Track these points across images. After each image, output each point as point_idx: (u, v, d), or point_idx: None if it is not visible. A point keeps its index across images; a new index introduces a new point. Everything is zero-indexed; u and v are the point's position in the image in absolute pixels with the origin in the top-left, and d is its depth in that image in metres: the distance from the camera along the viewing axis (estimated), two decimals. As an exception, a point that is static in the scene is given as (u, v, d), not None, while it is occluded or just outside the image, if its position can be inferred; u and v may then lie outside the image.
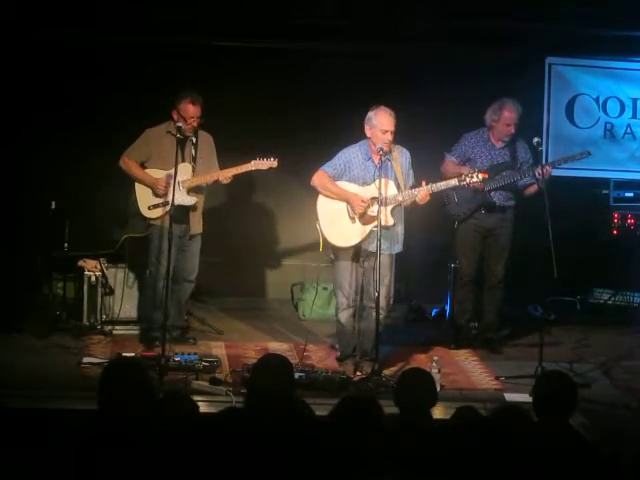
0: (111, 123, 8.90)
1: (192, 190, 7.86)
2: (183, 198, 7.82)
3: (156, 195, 7.87)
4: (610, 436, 6.16)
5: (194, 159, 7.86)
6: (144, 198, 7.90)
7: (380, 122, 7.40)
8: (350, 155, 7.55)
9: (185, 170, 7.82)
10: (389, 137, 7.38)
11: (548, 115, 9.74)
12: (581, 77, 9.81)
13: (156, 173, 7.88)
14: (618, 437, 6.21)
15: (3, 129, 8.93)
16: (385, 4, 8.93)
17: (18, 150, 9.06)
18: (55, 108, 9.13)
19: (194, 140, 7.88)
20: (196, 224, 7.97)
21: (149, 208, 7.90)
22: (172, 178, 7.63)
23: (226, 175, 7.82)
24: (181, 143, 7.80)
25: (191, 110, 7.74)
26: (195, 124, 7.77)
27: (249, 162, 7.86)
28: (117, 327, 8.42)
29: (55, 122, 9.14)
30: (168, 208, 7.68)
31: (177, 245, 7.81)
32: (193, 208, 7.89)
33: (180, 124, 7.66)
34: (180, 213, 7.80)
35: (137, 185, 7.90)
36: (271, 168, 7.90)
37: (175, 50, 9.12)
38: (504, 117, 8.10)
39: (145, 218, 7.94)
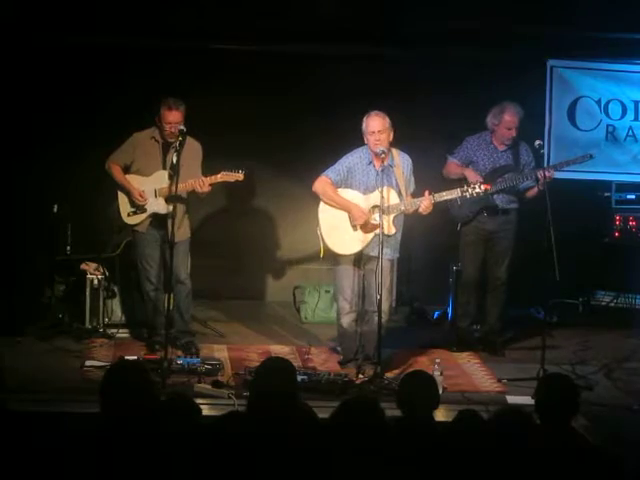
0: (113, 127, 8.88)
1: (171, 198, 7.68)
2: (158, 206, 7.82)
3: (133, 203, 7.89)
4: (612, 438, 6.16)
5: (173, 166, 7.63)
6: (124, 205, 7.92)
7: (368, 125, 7.45)
8: (353, 160, 7.56)
9: (161, 178, 7.82)
10: (377, 137, 7.40)
11: (550, 118, 9.73)
12: (583, 80, 9.80)
13: (136, 179, 7.88)
14: (620, 439, 6.21)
15: (5, 133, 8.94)
16: (384, 7, 8.92)
17: (20, 154, 9.07)
18: (57, 112, 9.14)
19: (177, 147, 7.78)
20: (175, 232, 7.64)
21: (128, 215, 7.92)
22: (150, 189, 7.76)
23: (201, 184, 7.68)
24: (164, 149, 7.81)
25: (168, 116, 7.70)
26: (174, 130, 7.68)
27: (218, 174, 7.81)
28: (119, 330, 8.43)
29: (57, 126, 9.16)
30: (145, 215, 7.83)
31: (162, 249, 7.87)
32: (170, 216, 7.60)
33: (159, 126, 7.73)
34: (158, 220, 7.84)
35: (119, 193, 7.92)
36: (237, 181, 7.82)
37: (176, 55, 9.14)
38: (504, 121, 8.12)
39: (126, 225, 7.98)
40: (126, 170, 7.91)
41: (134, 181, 7.87)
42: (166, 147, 7.82)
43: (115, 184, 7.91)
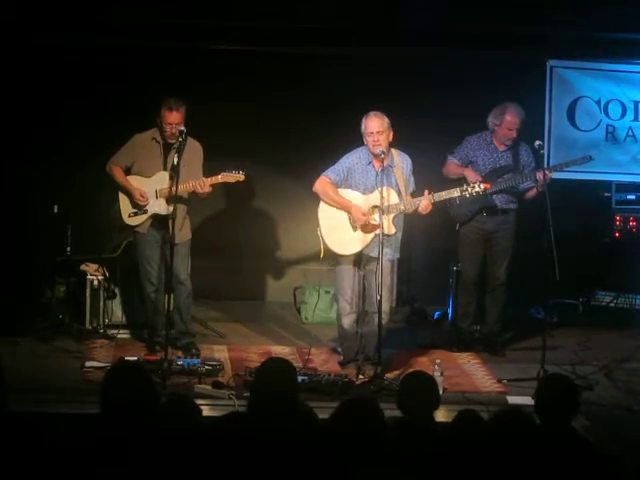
0: (113, 128, 8.89)
1: (172, 199, 7.63)
2: (159, 207, 7.82)
3: (134, 204, 7.89)
4: (612, 438, 6.16)
5: (174, 167, 7.60)
6: (125, 206, 7.92)
7: (366, 125, 7.46)
8: (353, 160, 7.56)
9: (162, 178, 7.81)
10: (375, 138, 7.40)
11: (550, 118, 9.74)
12: (583, 80, 9.81)
13: (137, 180, 7.88)
14: (620, 439, 6.21)
15: (6, 134, 8.94)
16: (384, 8, 8.92)
17: (20, 155, 9.06)
18: (57, 113, 9.15)
19: (178, 147, 7.76)
20: (176, 233, 7.66)
21: (129, 216, 7.92)
22: (150, 189, 7.77)
23: (201, 184, 7.69)
24: (165, 150, 7.80)
25: (168, 117, 7.69)
26: (174, 131, 7.67)
27: (218, 174, 7.79)
28: (120, 331, 8.42)
29: (57, 126, 9.16)
30: (145, 215, 7.84)
31: (163, 250, 7.85)
32: (171, 217, 7.57)
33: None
34: (159, 221, 7.82)
35: (120, 194, 7.92)
36: (238, 181, 7.82)
37: (176, 55, 9.14)
38: (506, 121, 8.12)
39: (127, 226, 7.97)
40: (127, 171, 7.91)
41: (135, 182, 7.87)
42: (167, 148, 7.82)
43: (116, 185, 7.91)
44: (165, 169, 7.81)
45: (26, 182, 9.09)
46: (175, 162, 7.49)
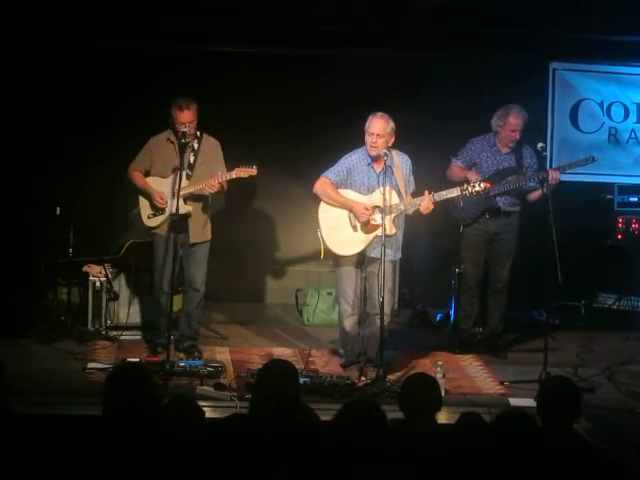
0: (116, 130, 8.93)
1: (189, 198, 7.71)
2: (176, 207, 7.84)
3: (153, 205, 7.89)
4: (614, 441, 6.16)
5: (191, 166, 7.76)
6: (145, 208, 7.93)
7: (369, 125, 7.45)
8: (353, 161, 7.55)
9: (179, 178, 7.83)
10: (374, 139, 7.39)
11: (552, 120, 9.75)
12: (585, 82, 9.82)
13: (155, 182, 7.89)
14: (622, 442, 6.21)
15: (8, 135, 8.94)
16: (385, 9, 8.93)
17: (23, 156, 9.07)
18: (60, 115, 9.15)
19: (195, 147, 7.84)
20: (195, 232, 7.83)
21: (148, 217, 7.92)
22: (168, 190, 7.77)
23: (210, 184, 7.69)
24: (181, 150, 7.81)
25: (180, 117, 7.69)
26: (186, 129, 7.69)
27: (232, 170, 7.81)
28: (122, 332, 8.42)
29: (60, 128, 9.16)
30: (164, 216, 7.82)
31: (178, 253, 7.83)
32: (190, 216, 7.74)
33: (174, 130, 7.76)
34: (177, 221, 7.80)
35: (140, 197, 7.93)
36: (251, 176, 7.82)
37: (178, 57, 9.15)
38: (509, 123, 8.12)
39: (146, 227, 7.98)
40: (147, 174, 7.93)
41: (153, 183, 7.88)
42: (182, 148, 7.81)
43: (137, 190, 7.91)
44: (182, 168, 7.80)
45: (28, 184, 9.09)
46: (191, 161, 7.64)
